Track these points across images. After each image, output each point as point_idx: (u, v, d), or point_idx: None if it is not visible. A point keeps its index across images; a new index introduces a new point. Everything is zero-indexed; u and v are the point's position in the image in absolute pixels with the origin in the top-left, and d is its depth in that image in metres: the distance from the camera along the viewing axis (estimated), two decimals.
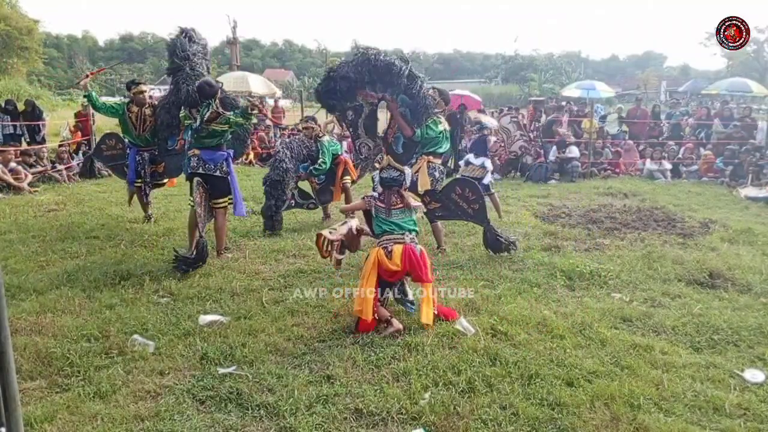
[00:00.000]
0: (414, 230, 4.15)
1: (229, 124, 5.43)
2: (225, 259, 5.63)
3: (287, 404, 3.01)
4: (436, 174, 5.75)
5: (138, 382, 3.25)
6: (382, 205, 4.16)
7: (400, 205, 4.17)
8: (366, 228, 4.40)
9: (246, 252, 5.93)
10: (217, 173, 5.51)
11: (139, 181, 7.02)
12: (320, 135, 7.26)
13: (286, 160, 6.79)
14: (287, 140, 7.80)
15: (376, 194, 4.28)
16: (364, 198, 4.35)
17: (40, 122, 12.12)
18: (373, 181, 4.65)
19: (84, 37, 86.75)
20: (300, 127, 7.80)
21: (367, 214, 4.35)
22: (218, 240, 5.75)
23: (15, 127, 11.62)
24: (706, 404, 3.08)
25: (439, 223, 6.06)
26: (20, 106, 12.50)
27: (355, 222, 4.40)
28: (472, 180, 6.32)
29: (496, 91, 48.03)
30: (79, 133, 12.49)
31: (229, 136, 5.73)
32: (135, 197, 7.31)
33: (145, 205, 7.34)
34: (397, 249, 3.95)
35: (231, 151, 5.74)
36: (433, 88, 5.91)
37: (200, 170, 5.45)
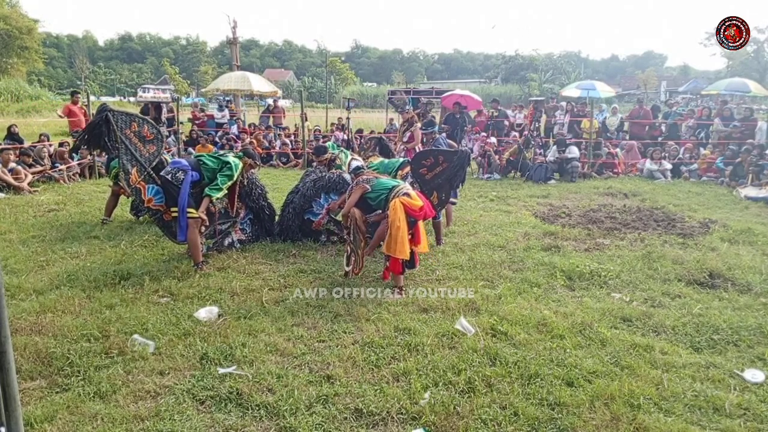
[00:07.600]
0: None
1: None
2: (200, 272, 5.17)
3: (287, 404, 3.01)
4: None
5: (138, 382, 3.25)
6: (375, 175, 5.15)
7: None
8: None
9: (246, 253, 5.92)
10: (169, 177, 5.29)
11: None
12: (333, 157, 6.69)
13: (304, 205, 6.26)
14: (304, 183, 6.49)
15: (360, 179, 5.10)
16: (356, 186, 5.01)
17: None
18: (353, 173, 5.53)
19: (84, 37, 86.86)
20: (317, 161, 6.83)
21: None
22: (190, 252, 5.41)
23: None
24: (706, 404, 3.08)
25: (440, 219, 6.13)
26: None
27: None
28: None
29: (496, 91, 48.08)
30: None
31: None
32: (113, 193, 7.30)
33: (111, 208, 7.33)
34: (411, 192, 4.84)
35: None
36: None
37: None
